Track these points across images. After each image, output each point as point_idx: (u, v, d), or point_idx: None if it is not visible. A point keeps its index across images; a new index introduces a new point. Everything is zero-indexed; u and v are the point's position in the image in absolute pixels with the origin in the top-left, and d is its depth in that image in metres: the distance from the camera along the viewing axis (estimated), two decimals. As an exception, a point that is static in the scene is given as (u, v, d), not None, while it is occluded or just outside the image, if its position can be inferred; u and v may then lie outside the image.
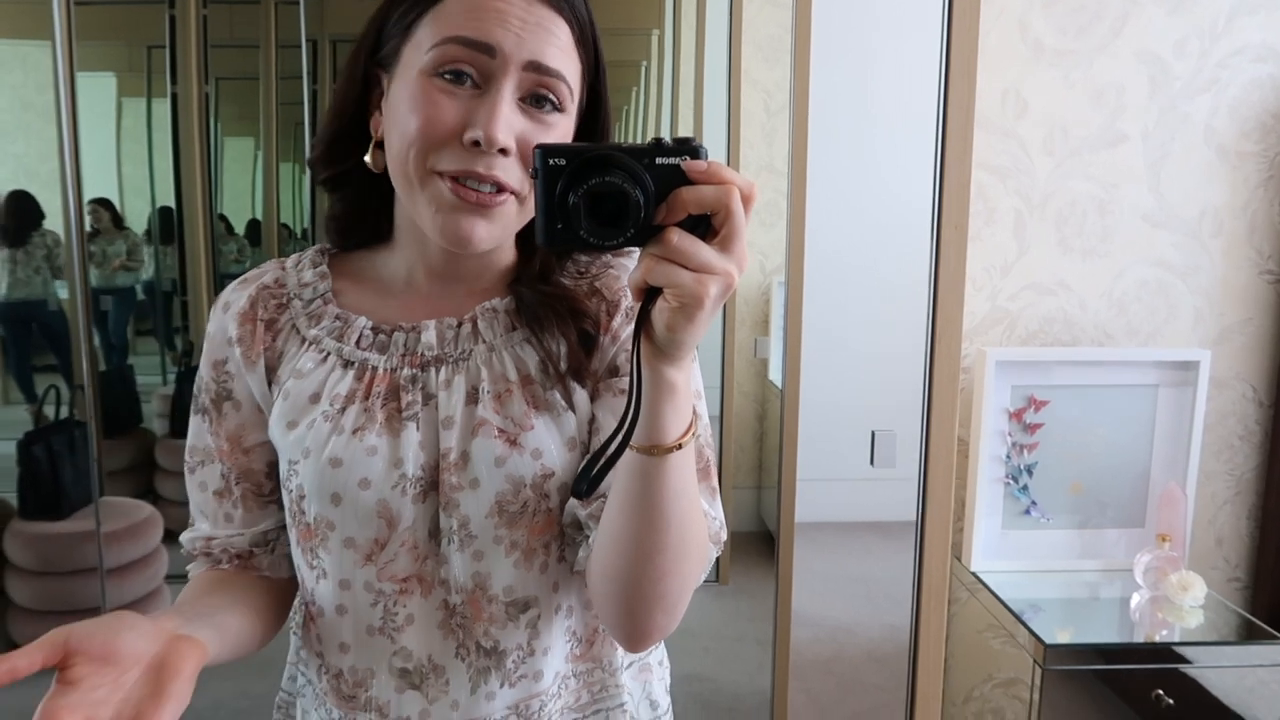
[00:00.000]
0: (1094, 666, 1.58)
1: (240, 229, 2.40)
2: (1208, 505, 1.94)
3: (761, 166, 2.14)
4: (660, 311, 0.57)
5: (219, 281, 2.34)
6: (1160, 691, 1.56)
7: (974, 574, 1.79)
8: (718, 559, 0.77)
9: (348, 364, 0.77)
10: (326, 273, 0.82)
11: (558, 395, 0.76)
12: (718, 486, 0.79)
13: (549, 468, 0.74)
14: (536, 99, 0.70)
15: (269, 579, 0.82)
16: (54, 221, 2.23)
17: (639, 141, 0.57)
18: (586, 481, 0.62)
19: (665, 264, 0.55)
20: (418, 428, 0.74)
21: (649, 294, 0.57)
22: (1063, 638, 1.58)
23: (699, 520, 0.69)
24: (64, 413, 2.32)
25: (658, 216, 0.55)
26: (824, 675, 1.68)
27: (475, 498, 0.74)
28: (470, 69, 0.69)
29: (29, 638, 2.23)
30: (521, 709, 0.77)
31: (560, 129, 0.72)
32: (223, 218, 2.37)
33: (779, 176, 1.67)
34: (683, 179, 0.55)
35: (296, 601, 0.85)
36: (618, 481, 0.66)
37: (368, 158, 0.76)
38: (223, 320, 0.80)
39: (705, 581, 0.75)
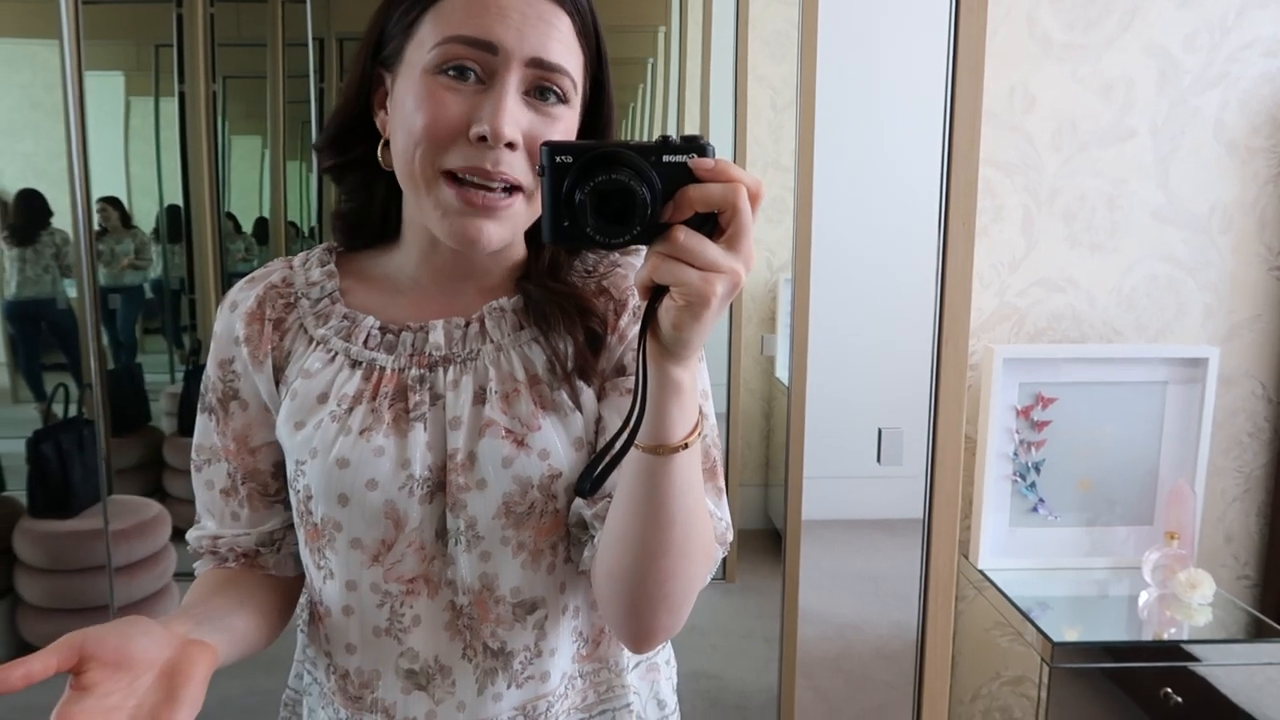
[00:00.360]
0: (1102, 665, 1.57)
1: (248, 227, 2.40)
2: (1216, 502, 1.93)
3: (768, 163, 2.13)
4: (667, 310, 0.57)
5: (227, 280, 2.34)
6: (1169, 689, 1.55)
7: (982, 572, 1.79)
8: (724, 557, 0.77)
9: (355, 364, 0.77)
10: (334, 271, 0.81)
11: (565, 395, 0.76)
12: (724, 487, 0.79)
13: (556, 468, 0.74)
14: (541, 91, 0.70)
15: (275, 577, 0.82)
16: (62, 220, 2.24)
17: (646, 139, 0.57)
18: (590, 479, 0.62)
19: (672, 262, 0.55)
20: (425, 428, 0.74)
21: (655, 292, 0.57)
22: (1071, 636, 1.58)
23: (705, 521, 0.69)
24: (73, 411, 2.33)
25: (665, 214, 0.55)
26: (831, 673, 1.68)
27: (482, 498, 0.73)
28: (474, 65, 0.69)
29: (39, 635, 2.25)
30: (528, 710, 0.77)
31: (565, 121, 0.72)
32: (230, 216, 2.38)
33: (785, 173, 1.67)
34: (690, 177, 0.55)
35: (303, 599, 0.85)
36: (623, 481, 0.66)
37: (379, 156, 0.76)
38: (230, 320, 0.80)
39: (712, 579, 0.74)
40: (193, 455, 0.82)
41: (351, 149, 0.78)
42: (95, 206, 2.24)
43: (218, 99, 2.28)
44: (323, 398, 0.76)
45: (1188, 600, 1.70)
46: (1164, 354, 1.80)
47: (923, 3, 1.52)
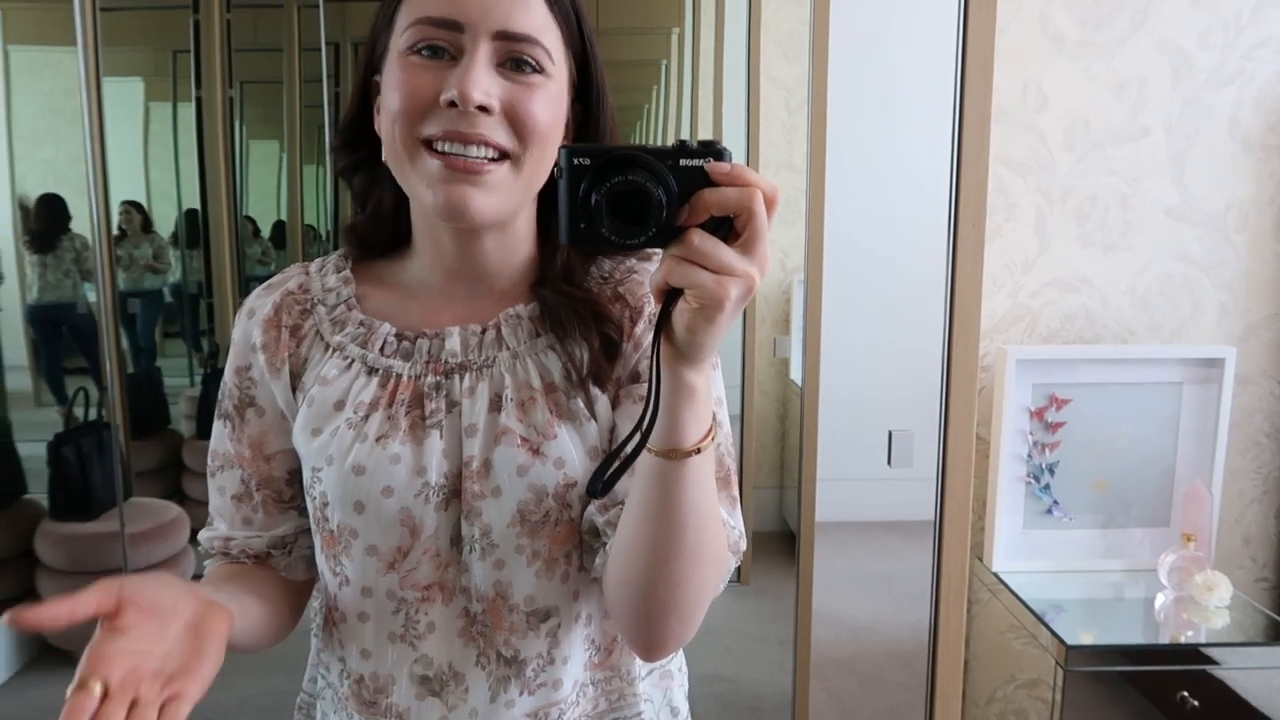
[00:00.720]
0: (1118, 668, 1.56)
1: (266, 231, 2.42)
2: (1234, 504, 1.92)
3: (781, 164, 2.14)
4: (681, 313, 0.57)
5: (245, 283, 2.37)
6: (1185, 693, 1.54)
7: (995, 574, 1.79)
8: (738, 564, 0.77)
9: (372, 371, 0.77)
10: (350, 277, 0.82)
11: (580, 403, 0.76)
12: (739, 496, 0.78)
13: (571, 477, 0.74)
14: (515, 63, 0.71)
15: (285, 578, 0.83)
16: (81, 225, 2.27)
17: (659, 141, 0.58)
18: (601, 480, 0.62)
19: (686, 265, 0.55)
20: (441, 435, 0.75)
21: (670, 295, 0.57)
22: (1086, 639, 1.57)
23: (717, 528, 0.69)
24: (93, 414, 2.35)
25: (680, 218, 0.55)
26: (845, 674, 1.68)
27: (497, 506, 0.74)
28: (444, 44, 0.70)
29: (60, 637, 2.26)
30: (540, 717, 0.78)
31: (546, 91, 0.72)
32: (248, 219, 2.40)
33: (799, 174, 1.67)
34: (706, 181, 0.55)
35: (317, 604, 0.86)
36: (635, 486, 0.66)
37: (384, 156, 0.77)
38: (247, 326, 0.81)
39: (727, 581, 0.75)
40: (209, 461, 0.83)
41: (358, 150, 0.80)
42: (118, 209, 2.26)
43: (235, 104, 2.31)
44: (339, 405, 0.77)
45: (1205, 603, 1.69)
46: (1180, 354, 1.79)
47: (933, 3, 1.52)
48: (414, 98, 0.70)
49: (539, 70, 0.71)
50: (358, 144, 0.80)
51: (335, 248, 0.87)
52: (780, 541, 2.20)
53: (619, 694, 0.83)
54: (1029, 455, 1.79)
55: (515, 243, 0.80)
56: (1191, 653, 1.58)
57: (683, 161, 0.56)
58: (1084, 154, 1.80)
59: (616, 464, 0.62)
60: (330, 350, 0.79)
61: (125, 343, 2.39)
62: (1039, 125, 1.79)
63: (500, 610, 0.76)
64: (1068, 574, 1.80)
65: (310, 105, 2.31)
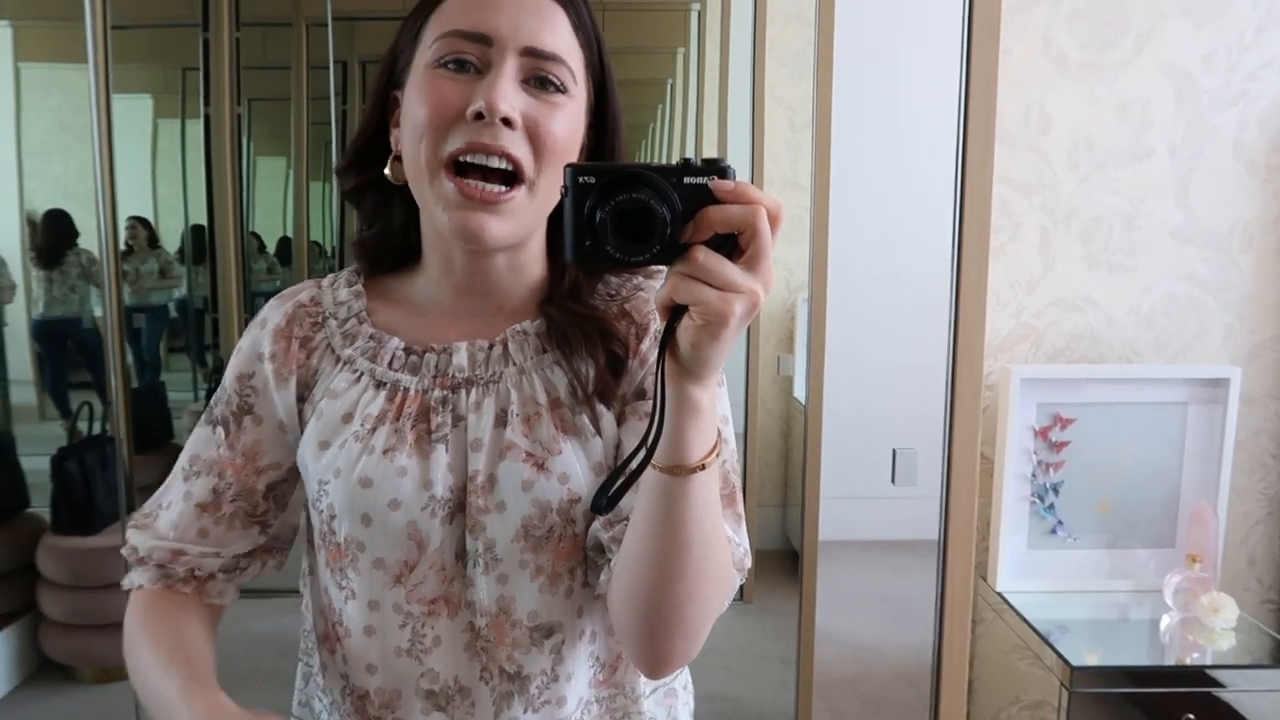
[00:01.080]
0: (1123, 689, 1.55)
1: (271, 247, 2.44)
2: (1240, 525, 1.91)
3: (786, 182, 2.14)
4: (685, 330, 0.57)
5: (250, 299, 2.37)
6: (1191, 716, 1.53)
7: (1000, 594, 1.78)
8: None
9: (380, 384, 0.77)
10: (361, 291, 0.83)
11: (586, 420, 0.76)
12: (743, 513, 0.78)
13: (575, 493, 0.74)
14: (539, 81, 0.72)
15: (213, 606, 0.81)
16: (89, 240, 2.28)
17: (665, 159, 0.58)
18: (606, 496, 0.62)
19: (691, 282, 0.55)
20: (447, 449, 0.75)
21: (675, 312, 0.58)
22: (1090, 660, 1.56)
23: (722, 545, 0.69)
24: (98, 428, 2.36)
25: (685, 235, 0.56)
26: (849, 694, 1.67)
27: (501, 521, 0.74)
28: (471, 58, 0.71)
29: (61, 651, 2.27)
30: None
31: (567, 110, 0.73)
32: (254, 235, 2.41)
33: (803, 192, 1.68)
34: (710, 198, 0.56)
35: (307, 626, 0.85)
36: (640, 502, 0.66)
37: (387, 170, 0.78)
38: (258, 336, 0.81)
39: (730, 600, 0.74)
40: (183, 463, 0.81)
41: (369, 170, 0.80)
42: (125, 224, 2.28)
43: (243, 121, 2.32)
44: (347, 418, 0.77)
45: (1210, 624, 1.68)
46: (1185, 374, 1.78)
47: (937, 23, 1.53)
48: (440, 109, 0.71)
49: (562, 90, 0.73)
50: (369, 162, 0.80)
51: (340, 264, 0.88)
52: (783, 560, 2.20)
53: (624, 712, 0.82)
54: (1033, 475, 1.79)
55: (526, 263, 0.80)
56: (1197, 675, 1.57)
57: (687, 179, 0.56)
58: (1088, 175, 1.80)
59: (621, 480, 0.62)
60: (340, 363, 0.79)
61: (130, 357, 2.39)
62: (1043, 146, 1.79)
63: (503, 625, 0.76)
64: (1072, 594, 1.79)
65: (317, 122, 2.33)
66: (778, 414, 2.27)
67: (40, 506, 2.37)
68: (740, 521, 0.77)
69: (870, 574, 1.67)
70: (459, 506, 0.75)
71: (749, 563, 0.76)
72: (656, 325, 0.79)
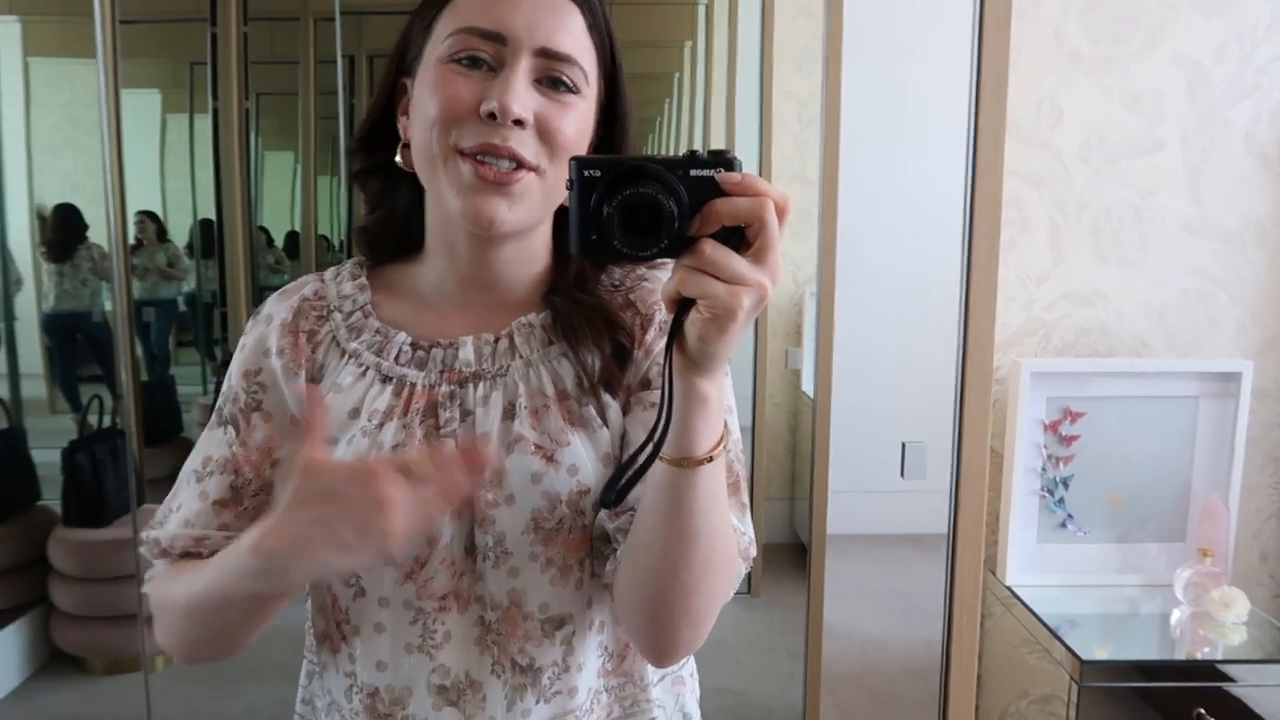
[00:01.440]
0: (1133, 684, 1.55)
1: (279, 241, 2.44)
2: (1251, 519, 1.90)
3: (794, 177, 2.14)
4: (693, 323, 0.57)
5: (258, 293, 2.38)
6: (1202, 710, 1.52)
7: (1009, 588, 1.77)
8: (749, 571, 0.77)
9: (386, 379, 0.77)
10: (365, 284, 0.82)
11: (593, 411, 0.76)
12: (748, 502, 0.78)
13: (584, 484, 0.74)
14: (552, 81, 0.72)
15: None
16: (99, 234, 2.29)
17: (672, 153, 0.58)
18: (615, 490, 0.63)
19: (698, 275, 0.55)
20: (456, 444, 0.75)
21: (682, 305, 0.58)
22: (1100, 654, 1.56)
23: (728, 535, 0.69)
24: (107, 422, 2.37)
25: (692, 228, 0.56)
26: (856, 688, 1.67)
27: (511, 514, 0.74)
28: (485, 55, 0.71)
29: (72, 643, 2.27)
30: None
31: (578, 110, 0.73)
32: (262, 229, 2.41)
33: (811, 187, 1.67)
34: (717, 191, 0.56)
35: (309, 624, 0.85)
36: (647, 494, 0.66)
37: (398, 158, 0.78)
38: (264, 332, 0.81)
39: (737, 593, 0.74)
40: (196, 465, 0.80)
41: (376, 154, 0.81)
42: (133, 219, 2.28)
43: (251, 115, 2.33)
44: (354, 413, 0.77)
45: (1221, 619, 1.67)
46: (1196, 368, 1.77)
47: (947, 17, 1.52)
48: (451, 105, 0.71)
49: (574, 90, 0.73)
50: (377, 146, 0.80)
51: (348, 258, 0.88)
52: (791, 554, 2.19)
53: (632, 700, 0.83)
54: (1043, 469, 1.78)
55: (532, 254, 0.80)
56: (1208, 669, 1.56)
57: (693, 172, 0.56)
58: (1099, 168, 1.79)
59: (630, 474, 0.62)
60: (346, 357, 0.79)
61: (139, 351, 2.40)
62: (1053, 140, 1.78)
63: (515, 618, 0.76)
64: (1082, 588, 1.78)
65: (325, 117, 2.33)
66: (785, 408, 2.26)
67: (51, 499, 2.38)
68: (745, 511, 0.77)
69: (878, 568, 1.67)
70: (467, 501, 0.75)
71: (754, 552, 0.76)
72: (661, 315, 0.79)
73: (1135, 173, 1.79)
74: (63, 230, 2.33)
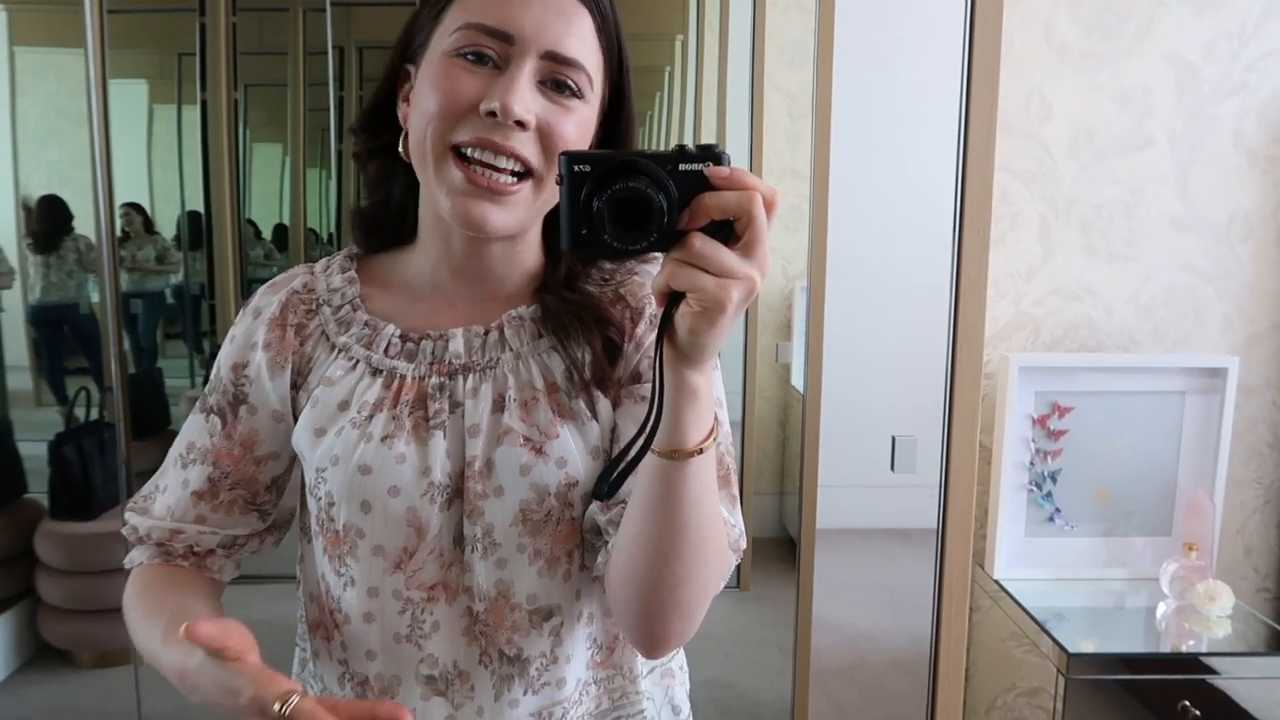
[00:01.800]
0: (1119, 676, 1.56)
1: (268, 233, 2.43)
2: (1236, 514, 1.92)
3: (785, 171, 2.14)
4: (683, 316, 0.57)
5: (246, 285, 2.37)
6: (1187, 703, 1.54)
7: (997, 582, 1.78)
8: (738, 565, 0.77)
9: (376, 372, 0.77)
10: (355, 277, 0.82)
11: (582, 404, 0.76)
12: (738, 495, 0.79)
13: (573, 476, 0.75)
14: (556, 84, 0.72)
15: (215, 582, 0.82)
16: (85, 226, 2.27)
17: (663, 147, 0.58)
18: (607, 483, 0.63)
19: (688, 268, 0.55)
20: (444, 436, 0.75)
21: (672, 298, 0.58)
22: (1087, 647, 1.57)
23: (718, 527, 0.70)
24: (94, 414, 2.36)
25: (681, 222, 0.56)
26: (845, 682, 1.68)
27: (499, 505, 0.74)
28: (491, 52, 0.71)
29: (59, 636, 2.26)
30: (544, 716, 0.78)
31: (580, 115, 0.73)
32: (251, 222, 2.40)
33: (802, 181, 1.67)
34: (706, 185, 0.56)
35: (301, 612, 0.85)
36: (638, 486, 0.66)
37: (401, 148, 0.78)
38: (252, 325, 0.81)
39: (726, 587, 0.74)
40: (180, 449, 0.82)
41: (379, 137, 0.80)
42: (119, 211, 2.27)
43: (239, 107, 2.31)
44: (344, 405, 0.77)
45: (1206, 612, 1.69)
46: (1183, 363, 1.79)
47: (938, 12, 1.52)
48: (452, 100, 0.70)
49: (578, 95, 0.73)
50: (379, 129, 0.80)
51: (338, 251, 0.87)
52: (780, 548, 2.20)
53: (621, 692, 0.83)
54: (1031, 463, 1.79)
55: (524, 250, 0.81)
56: (1193, 662, 1.57)
57: (682, 166, 0.56)
58: (1088, 164, 1.80)
59: (622, 466, 0.63)
60: (335, 351, 0.79)
61: (127, 343, 2.39)
62: (1043, 135, 1.79)
63: (502, 609, 0.76)
64: (1069, 582, 1.79)
65: (314, 109, 2.32)
66: (775, 402, 2.27)
67: (38, 492, 2.37)
68: (735, 503, 0.78)
69: (868, 562, 1.67)
70: (457, 492, 0.75)
71: (744, 544, 0.77)
72: (651, 309, 0.80)
73: (1124, 169, 1.80)
74: (48, 221, 2.32)
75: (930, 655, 1.63)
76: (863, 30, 1.54)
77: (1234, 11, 1.76)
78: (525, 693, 0.77)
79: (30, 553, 2.34)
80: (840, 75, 1.54)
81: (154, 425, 2.41)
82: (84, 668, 2.34)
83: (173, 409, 2.44)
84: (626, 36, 0.78)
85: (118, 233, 2.25)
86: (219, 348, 0.84)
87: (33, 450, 2.38)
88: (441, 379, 0.77)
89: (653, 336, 0.78)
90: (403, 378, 0.77)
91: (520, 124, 0.69)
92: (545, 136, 0.71)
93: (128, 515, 0.83)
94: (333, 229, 2.41)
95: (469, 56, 0.71)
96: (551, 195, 0.74)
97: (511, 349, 0.78)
